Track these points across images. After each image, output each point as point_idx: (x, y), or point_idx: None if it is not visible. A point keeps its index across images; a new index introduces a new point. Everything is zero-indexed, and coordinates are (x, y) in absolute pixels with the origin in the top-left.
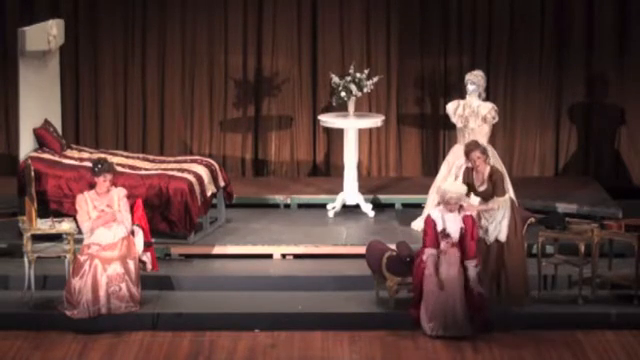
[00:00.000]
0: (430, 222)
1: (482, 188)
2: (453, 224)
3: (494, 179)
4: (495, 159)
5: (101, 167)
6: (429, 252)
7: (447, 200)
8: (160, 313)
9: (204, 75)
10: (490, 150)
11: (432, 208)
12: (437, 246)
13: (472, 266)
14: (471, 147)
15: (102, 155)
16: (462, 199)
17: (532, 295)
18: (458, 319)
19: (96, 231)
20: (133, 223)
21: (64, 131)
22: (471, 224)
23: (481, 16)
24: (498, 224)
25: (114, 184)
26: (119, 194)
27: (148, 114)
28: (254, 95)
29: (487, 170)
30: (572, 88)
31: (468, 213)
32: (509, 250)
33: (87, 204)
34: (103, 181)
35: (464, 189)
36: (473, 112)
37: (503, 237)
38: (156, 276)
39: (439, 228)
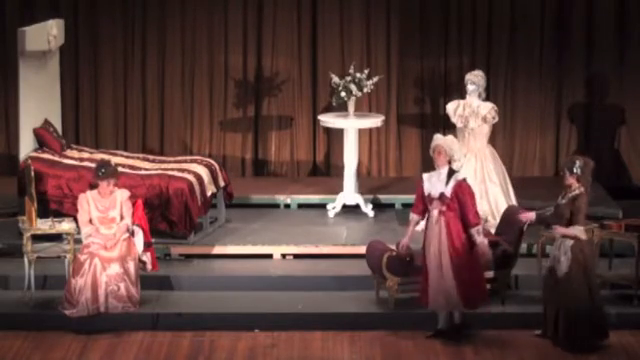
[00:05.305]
0: (418, 183)
1: (560, 202)
2: (437, 186)
3: (577, 204)
4: (495, 159)
5: (104, 172)
6: (412, 216)
7: (434, 147)
8: (160, 313)
9: (204, 75)
10: (490, 150)
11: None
12: (422, 211)
13: (475, 232)
14: (565, 163)
15: (103, 155)
16: (452, 152)
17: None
18: (451, 293)
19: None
20: (133, 223)
21: (64, 131)
22: (466, 190)
23: (481, 16)
24: (562, 256)
25: (116, 185)
26: (122, 197)
27: (148, 114)
28: (254, 95)
29: (575, 189)
30: (572, 88)
31: (461, 177)
32: (567, 288)
33: (89, 204)
34: (107, 185)
35: (455, 143)
36: (473, 112)
37: (560, 272)
38: (156, 276)
39: (426, 192)
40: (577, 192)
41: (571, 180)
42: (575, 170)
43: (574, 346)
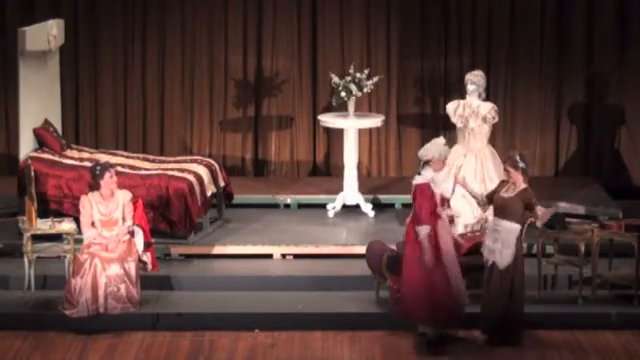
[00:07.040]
0: (426, 191)
1: (506, 195)
2: (446, 184)
3: (529, 195)
4: (495, 159)
5: (100, 168)
6: (426, 230)
7: (445, 156)
8: (160, 313)
9: (204, 75)
10: (490, 150)
11: (421, 175)
12: (434, 220)
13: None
14: (505, 158)
15: (103, 155)
16: (444, 153)
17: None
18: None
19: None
20: (133, 223)
21: (64, 131)
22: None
23: (481, 16)
24: (504, 248)
25: (117, 185)
26: (124, 198)
27: (148, 114)
28: (254, 95)
29: (520, 185)
30: (572, 88)
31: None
32: (503, 279)
33: (91, 207)
34: (110, 177)
35: (443, 141)
36: (473, 112)
37: (501, 265)
38: (156, 276)
39: (438, 195)
40: (524, 186)
41: (517, 176)
42: (520, 165)
43: (500, 340)
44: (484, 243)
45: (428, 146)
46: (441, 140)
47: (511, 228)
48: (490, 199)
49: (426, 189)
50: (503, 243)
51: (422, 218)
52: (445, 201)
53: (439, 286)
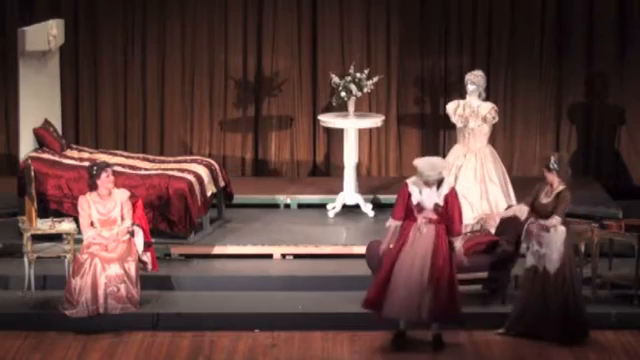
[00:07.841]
0: (405, 190)
1: (544, 201)
2: (429, 198)
3: (560, 198)
4: (495, 159)
5: (97, 168)
6: (394, 223)
7: (425, 179)
8: (160, 313)
9: (204, 75)
10: (490, 150)
11: (410, 178)
12: (404, 219)
13: (458, 242)
14: (544, 162)
15: (103, 155)
16: (441, 177)
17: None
18: (423, 304)
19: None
20: (133, 223)
21: (64, 131)
22: (454, 198)
23: (481, 16)
24: (552, 252)
25: (115, 184)
26: (122, 197)
27: (148, 114)
28: (254, 95)
29: (558, 185)
30: (572, 88)
31: (452, 185)
32: (556, 283)
33: (89, 207)
34: (106, 177)
35: (443, 164)
36: (473, 112)
37: (552, 267)
38: (156, 276)
39: (414, 201)
40: (561, 188)
41: (551, 177)
42: (552, 166)
43: (570, 340)
44: (531, 249)
45: (425, 165)
46: (440, 165)
47: (557, 230)
48: (531, 207)
49: (405, 188)
50: (551, 246)
51: (393, 212)
52: (422, 210)
53: (382, 272)
